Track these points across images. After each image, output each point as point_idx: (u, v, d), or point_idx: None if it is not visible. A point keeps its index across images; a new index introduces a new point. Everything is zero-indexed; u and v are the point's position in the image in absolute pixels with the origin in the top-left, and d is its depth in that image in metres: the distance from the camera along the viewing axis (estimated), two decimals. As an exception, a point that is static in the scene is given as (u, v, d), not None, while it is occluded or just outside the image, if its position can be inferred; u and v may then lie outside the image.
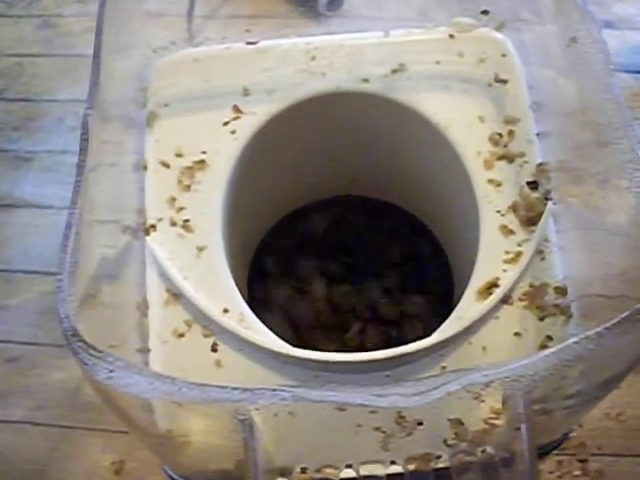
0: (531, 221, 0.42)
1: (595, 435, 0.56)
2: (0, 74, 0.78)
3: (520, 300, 0.40)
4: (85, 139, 0.35)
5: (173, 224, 0.43)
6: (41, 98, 0.77)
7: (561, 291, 0.40)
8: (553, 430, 0.41)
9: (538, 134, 0.45)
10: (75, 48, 0.79)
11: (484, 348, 0.39)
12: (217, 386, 0.29)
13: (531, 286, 0.40)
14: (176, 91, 0.47)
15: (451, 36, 0.48)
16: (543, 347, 0.39)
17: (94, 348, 0.29)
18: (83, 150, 0.35)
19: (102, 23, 0.40)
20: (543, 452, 0.43)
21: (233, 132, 0.46)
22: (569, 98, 0.43)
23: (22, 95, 0.77)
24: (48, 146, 0.73)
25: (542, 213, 0.42)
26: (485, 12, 0.49)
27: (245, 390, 0.29)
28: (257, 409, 0.30)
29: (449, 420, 0.34)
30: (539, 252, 0.41)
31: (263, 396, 0.29)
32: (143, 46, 0.47)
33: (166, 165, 0.45)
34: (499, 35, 0.48)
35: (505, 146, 0.44)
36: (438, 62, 0.47)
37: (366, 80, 0.47)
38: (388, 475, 0.38)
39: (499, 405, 0.32)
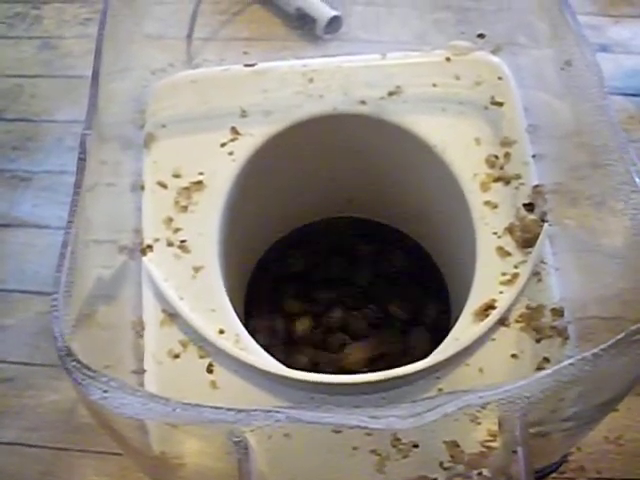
0: (527, 243, 0.42)
1: (594, 459, 0.55)
2: (0, 94, 0.79)
3: (517, 322, 0.40)
4: (82, 159, 0.35)
5: (170, 244, 0.43)
6: (40, 119, 0.77)
7: (558, 313, 0.40)
8: (551, 453, 0.41)
9: (534, 156, 0.45)
10: (75, 69, 0.80)
11: (481, 370, 0.39)
12: (212, 407, 0.29)
13: (528, 308, 0.40)
14: (174, 112, 0.47)
15: (447, 59, 0.49)
16: (540, 369, 0.39)
17: (88, 368, 0.29)
18: (80, 170, 0.36)
19: (101, 45, 0.41)
20: (541, 475, 0.43)
21: (231, 153, 0.46)
22: (564, 121, 0.43)
23: (22, 115, 0.78)
24: (47, 166, 0.74)
25: (538, 235, 0.42)
26: (481, 36, 0.49)
27: (240, 411, 0.28)
28: (252, 430, 0.29)
29: (445, 442, 0.33)
30: (536, 274, 0.41)
31: (258, 417, 0.28)
32: (141, 68, 0.48)
33: (163, 186, 0.45)
34: (495, 58, 0.49)
35: (501, 168, 0.45)
36: (435, 85, 0.48)
37: (363, 102, 0.47)
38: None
39: (496, 427, 0.32)
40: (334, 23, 0.72)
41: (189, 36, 0.55)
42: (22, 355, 0.62)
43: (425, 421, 0.28)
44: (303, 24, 0.74)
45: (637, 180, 0.35)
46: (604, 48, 0.79)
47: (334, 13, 0.72)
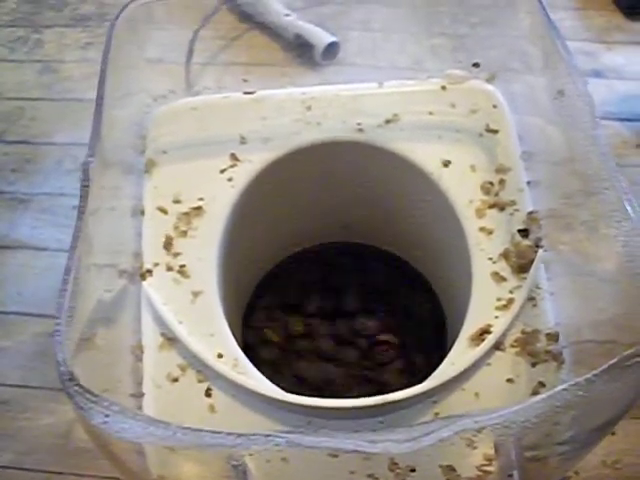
0: (522, 268, 0.42)
1: (591, 484, 0.55)
2: (0, 117, 0.79)
3: (512, 346, 0.40)
4: (86, 186, 0.36)
5: (169, 269, 0.43)
6: (40, 141, 0.77)
7: (553, 337, 0.41)
8: (547, 477, 0.41)
9: (528, 183, 0.46)
10: (74, 92, 0.80)
11: (477, 394, 0.39)
12: (211, 431, 0.29)
13: (523, 332, 0.41)
14: (174, 139, 0.48)
15: (443, 87, 0.50)
16: (535, 393, 0.39)
17: (90, 392, 0.29)
18: (83, 196, 0.36)
19: (105, 75, 0.41)
20: (537, 500, 0.43)
21: (230, 179, 0.46)
22: (558, 147, 0.44)
23: (21, 138, 0.78)
24: (45, 188, 0.74)
25: (533, 260, 0.42)
26: (476, 65, 0.50)
27: (239, 435, 0.29)
28: (251, 455, 0.30)
29: (441, 467, 0.33)
30: (531, 299, 0.42)
31: (257, 441, 0.29)
32: (143, 95, 0.49)
33: (163, 211, 0.45)
34: (490, 87, 0.50)
35: (496, 195, 0.45)
36: (431, 113, 0.49)
37: (360, 130, 0.48)
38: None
39: (492, 451, 0.32)
40: (332, 49, 0.73)
41: (188, 62, 0.56)
42: (18, 377, 0.62)
43: (422, 446, 0.29)
44: (301, 50, 0.75)
45: (628, 208, 0.36)
46: (598, 74, 0.80)
47: (332, 39, 0.73)
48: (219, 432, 0.29)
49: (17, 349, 0.63)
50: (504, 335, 0.40)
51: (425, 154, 0.47)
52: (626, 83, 0.80)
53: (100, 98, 0.41)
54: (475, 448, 0.31)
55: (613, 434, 0.49)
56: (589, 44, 0.83)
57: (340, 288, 0.56)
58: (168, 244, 0.44)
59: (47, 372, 0.59)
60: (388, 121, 0.48)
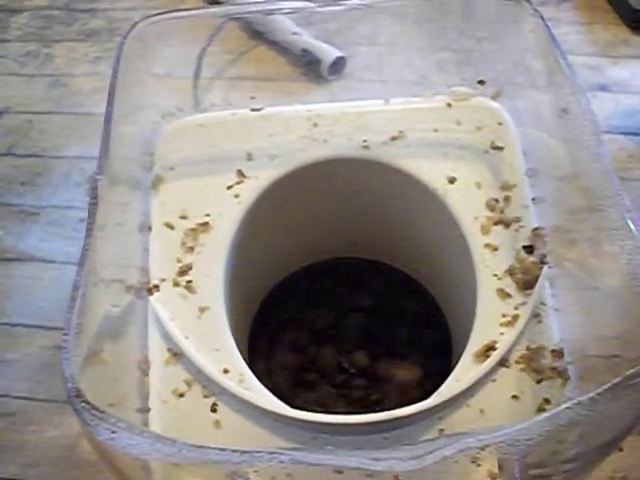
0: (527, 284, 0.43)
1: (599, 501, 0.55)
2: (10, 130, 0.80)
3: (517, 363, 0.40)
4: (94, 203, 0.36)
5: (176, 284, 0.44)
6: (49, 154, 0.78)
7: (558, 354, 0.41)
8: (552, 495, 0.41)
9: (533, 199, 0.46)
10: (84, 106, 0.81)
11: (482, 411, 0.39)
12: (216, 448, 0.29)
13: (528, 349, 0.41)
14: (182, 155, 0.48)
15: (449, 105, 0.50)
16: (541, 410, 0.39)
17: (97, 409, 0.30)
18: (91, 214, 0.36)
19: (114, 93, 0.42)
20: (542, 518, 0.43)
21: (237, 196, 0.47)
22: (563, 164, 0.44)
23: (30, 151, 0.79)
24: (54, 201, 0.74)
25: (538, 277, 0.42)
26: (481, 82, 0.50)
27: (244, 452, 0.29)
28: (255, 471, 0.30)
29: (446, 484, 0.34)
30: (536, 315, 0.42)
31: (261, 458, 0.29)
32: (151, 112, 0.49)
33: (170, 227, 0.46)
34: (495, 104, 0.50)
35: (501, 211, 0.46)
36: (436, 130, 0.49)
37: (366, 147, 0.49)
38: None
39: (496, 469, 0.33)
40: (339, 64, 0.73)
41: (196, 79, 0.56)
42: (24, 389, 0.62)
43: (426, 463, 0.29)
44: (308, 64, 0.75)
45: (631, 226, 0.36)
46: (603, 88, 0.80)
47: (338, 54, 0.73)
48: (224, 449, 0.29)
49: (24, 361, 0.64)
50: (509, 351, 0.40)
51: (431, 171, 0.47)
52: (632, 97, 0.80)
53: (109, 115, 0.41)
54: (479, 465, 0.31)
55: (620, 450, 0.48)
56: (595, 58, 0.83)
57: (346, 303, 0.57)
58: (175, 260, 0.44)
59: (53, 384, 0.59)
60: (394, 138, 0.49)
